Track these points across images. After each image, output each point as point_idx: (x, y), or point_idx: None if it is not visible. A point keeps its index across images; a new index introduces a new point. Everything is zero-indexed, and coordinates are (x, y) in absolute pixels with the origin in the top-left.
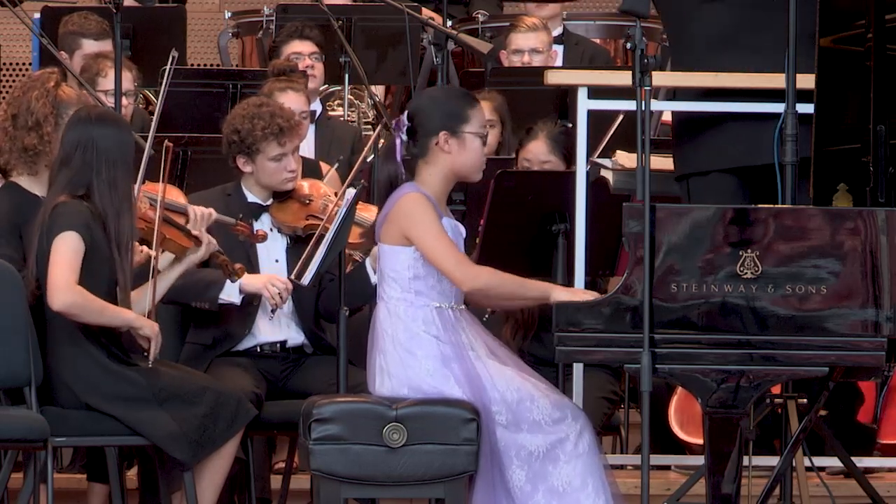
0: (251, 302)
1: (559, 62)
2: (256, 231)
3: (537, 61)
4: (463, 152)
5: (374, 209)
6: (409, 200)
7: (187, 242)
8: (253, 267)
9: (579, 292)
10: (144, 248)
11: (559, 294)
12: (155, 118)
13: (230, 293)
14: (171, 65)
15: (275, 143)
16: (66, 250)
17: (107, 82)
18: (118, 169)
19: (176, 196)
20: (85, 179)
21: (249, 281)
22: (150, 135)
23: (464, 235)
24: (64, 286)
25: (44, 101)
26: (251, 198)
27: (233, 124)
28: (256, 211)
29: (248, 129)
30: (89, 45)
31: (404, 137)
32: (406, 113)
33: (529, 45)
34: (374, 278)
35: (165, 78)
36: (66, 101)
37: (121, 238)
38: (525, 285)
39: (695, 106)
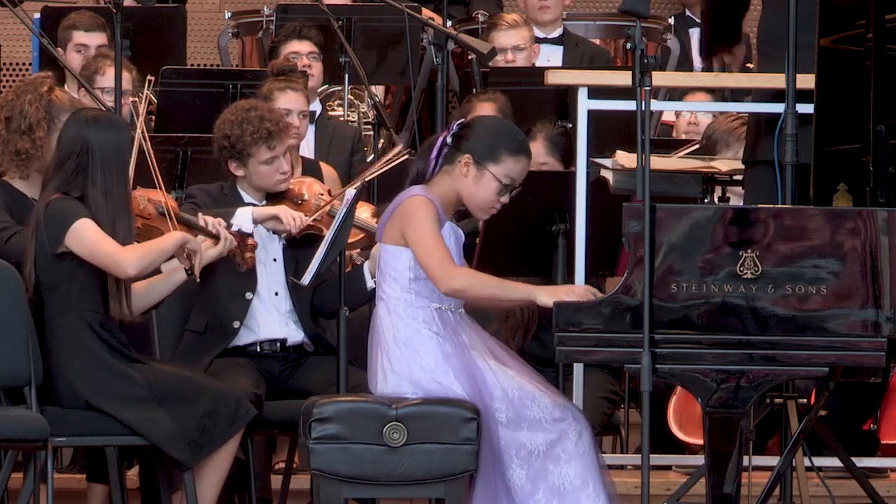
0: (243, 294)
1: (558, 62)
2: (248, 241)
3: (521, 58)
4: (475, 185)
5: (372, 208)
6: (414, 202)
7: (191, 234)
8: (251, 266)
9: (562, 291)
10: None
11: (542, 297)
12: (137, 137)
13: (242, 219)
14: (145, 104)
15: (264, 147)
16: (90, 233)
17: (105, 80)
18: (113, 175)
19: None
20: (78, 184)
21: (261, 210)
22: (136, 143)
23: (462, 241)
24: (120, 256)
25: (37, 105)
26: (246, 198)
27: (222, 130)
28: None
29: (238, 135)
30: (79, 36)
31: (448, 140)
32: (462, 120)
33: (511, 42)
34: (370, 283)
35: (143, 104)
36: (60, 105)
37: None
38: (506, 287)
39: (695, 105)
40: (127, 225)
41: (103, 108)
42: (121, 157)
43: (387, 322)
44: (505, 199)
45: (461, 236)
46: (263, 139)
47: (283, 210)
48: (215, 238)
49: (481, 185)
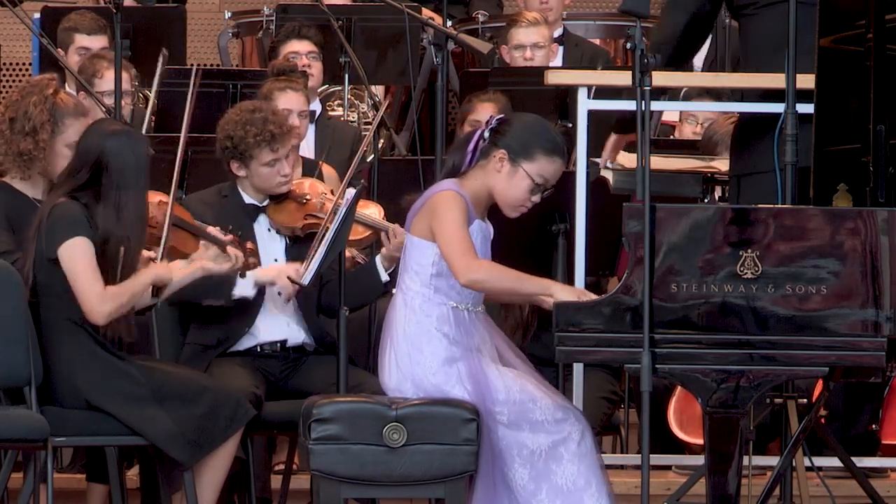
0: (254, 301)
1: (559, 59)
2: (247, 246)
3: (539, 56)
4: (508, 182)
5: (374, 206)
6: (444, 196)
7: (194, 248)
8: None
9: (580, 291)
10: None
11: (560, 292)
12: (146, 119)
13: (244, 288)
14: (163, 65)
15: (267, 149)
16: (82, 258)
17: (102, 83)
18: (128, 191)
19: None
20: (87, 194)
21: (262, 273)
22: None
23: (490, 239)
24: (98, 300)
25: (41, 107)
26: (247, 199)
27: (226, 130)
28: (253, 212)
29: (241, 136)
30: (81, 40)
31: (486, 135)
32: (502, 115)
33: (531, 40)
34: (384, 276)
35: (156, 76)
36: (64, 108)
37: (119, 260)
38: (524, 281)
39: (696, 106)
40: (139, 239)
41: (103, 109)
42: (135, 174)
43: (401, 314)
44: (536, 198)
45: (489, 234)
46: (266, 141)
47: (280, 277)
48: (221, 245)
49: (514, 182)
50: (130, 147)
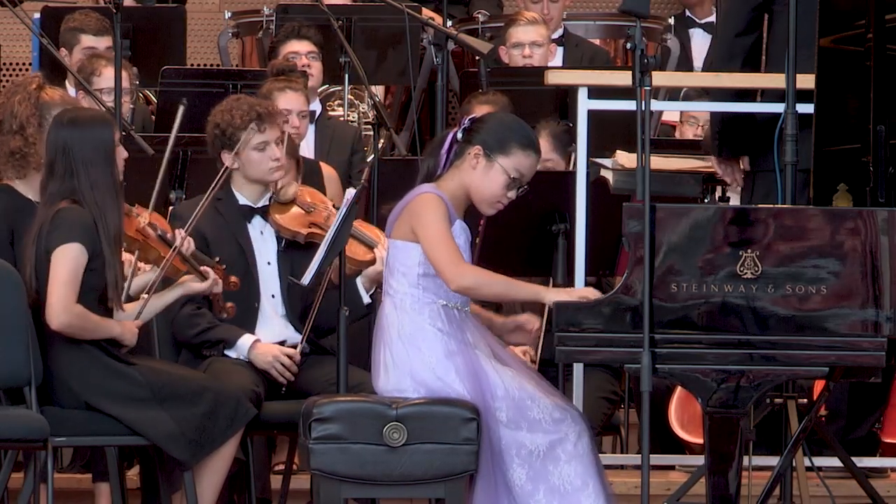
0: (251, 306)
1: (559, 59)
2: (230, 278)
3: (538, 55)
4: (483, 177)
5: (374, 228)
6: (424, 199)
7: (181, 266)
8: (248, 266)
9: (573, 291)
10: (142, 265)
11: (551, 295)
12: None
13: (239, 353)
14: (182, 115)
15: (255, 130)
16: (66, 266)
17: (101, 81)
18: (97, 168)
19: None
20: (70, 185)
21: (257, 357)
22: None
23: (471, 239)
24: (62, 308)
25: (26, 103)
26: (242, 200)
27: (213, 120)
28: (248, 213)
29: (228, 121)
30: (88, 40)
31: (459, 135)
32: (473, 115)
33: (529, 38)
34: (366, 298)
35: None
36: (49, 102)
37: (108, 235)
38: (514, 286)
39: (694, 106)
40: (116, 216)
41: (103, 108)
42: (101, 153)
43: (392, 317)
44: (512, 194)
45: (470, 234)
46: (254, 121)
47: (273, 367)
48: (202, 276)
49: (489, 177)
50: (89, 129)
